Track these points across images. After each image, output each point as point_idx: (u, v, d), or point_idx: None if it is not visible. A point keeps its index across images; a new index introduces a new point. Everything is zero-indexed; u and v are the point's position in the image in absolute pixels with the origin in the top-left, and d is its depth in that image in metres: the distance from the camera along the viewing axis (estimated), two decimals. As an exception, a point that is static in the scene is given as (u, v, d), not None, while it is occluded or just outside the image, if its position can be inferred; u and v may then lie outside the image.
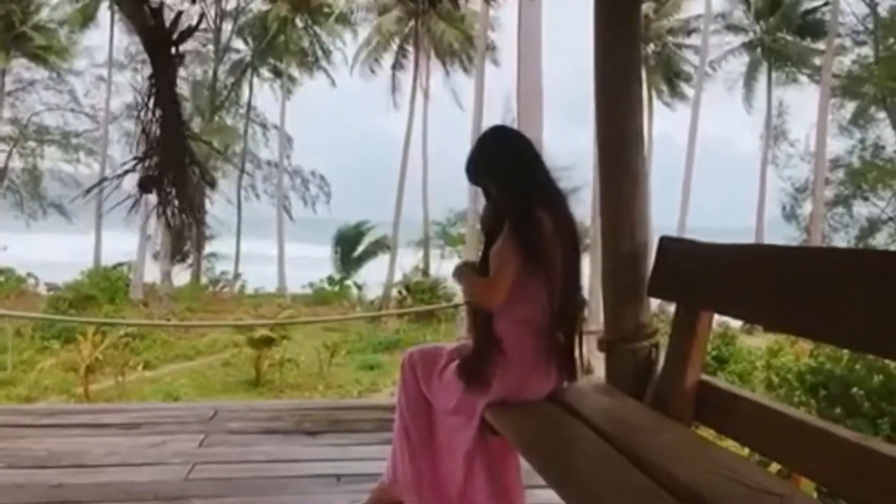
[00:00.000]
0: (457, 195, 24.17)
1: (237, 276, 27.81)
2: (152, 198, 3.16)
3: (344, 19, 27.58)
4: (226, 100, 28.67)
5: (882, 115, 23.86)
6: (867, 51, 24.18)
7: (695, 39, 26.56)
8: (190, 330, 19.24)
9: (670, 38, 26.83)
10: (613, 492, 1.64)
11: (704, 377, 2.18)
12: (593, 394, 2.33)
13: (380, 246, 27.83)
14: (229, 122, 29.12)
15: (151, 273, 25.01)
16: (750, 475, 1.61)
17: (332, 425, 3.44)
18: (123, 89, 25.54)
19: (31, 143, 28.38)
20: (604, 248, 2.58)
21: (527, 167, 2.25)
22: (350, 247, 28.21)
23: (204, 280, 27.27)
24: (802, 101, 26.24)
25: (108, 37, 26.08)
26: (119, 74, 26.11)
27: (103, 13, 25.29)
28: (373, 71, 27.32)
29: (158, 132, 3.08)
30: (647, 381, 2.36)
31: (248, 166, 29.85)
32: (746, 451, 2.99)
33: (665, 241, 2.40)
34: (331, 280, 26.91)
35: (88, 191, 3.19)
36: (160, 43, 3.11)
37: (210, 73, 27.79)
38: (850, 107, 24.64)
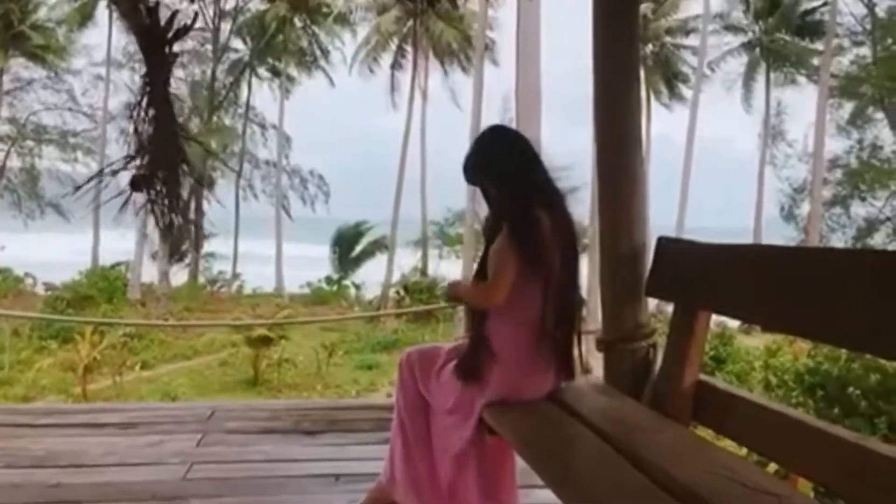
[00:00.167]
0: (455, 195, 24.19)
1: (235, 275, 27.79)
2: (143, 196, 3.14)
3: (343, 19, 27.57)
4: (224, 99, 28.62)
5: (880, 115, 23.89)
6: (865, 51, 24.23)
7: (693, 40, 26.56)
8: (188, 330, 19.24)
9: (668, 39, 26.83)
10: (612, 491, 1.64)
11: (702, 377, 2.18)
12: (592, 393, 2.33)
13: (378, 246, 27.83)
14: (228, 121, 29.06)
15: (149, 273, 25.01)
16: (748, 475, 1.61)
17: (330, 425, 3.44)
18: (122, 88, 25.39)
19: (29, 143, 28.31)
20: (602, 247, 2.59)
21: (525, 167, 2.25)
22: (348, 247, 28.20)
23: (202, 280, 27.24)
24: (801, 101, 26.38)
25: (107, 36, 26.09)
26: (117, 73, 26.08)
27: (101, 12, 25.28)
28: (371, 70, 27.38)
29: (151, 131, 3.07)
30: (646, 381, 2.36)
31: (247, 166, 29.83)
32: (744, 450, 2.99)
33: (663, 241, 2.40)
34: (329, 280, 26.91)
35: (78, 188, 3.17)
36: (155, 42, 3.10)
37: (208, 72, 27.74)
38: (848, 107, 24.66)
